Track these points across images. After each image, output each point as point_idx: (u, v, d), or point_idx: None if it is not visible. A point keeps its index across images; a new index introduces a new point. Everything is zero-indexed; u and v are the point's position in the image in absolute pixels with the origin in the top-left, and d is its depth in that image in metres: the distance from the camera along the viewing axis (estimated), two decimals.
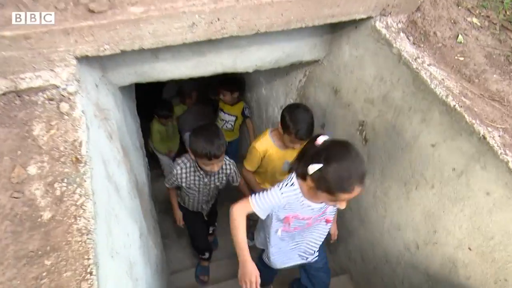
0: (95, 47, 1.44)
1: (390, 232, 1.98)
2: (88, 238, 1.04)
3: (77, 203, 1.12)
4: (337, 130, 2.32)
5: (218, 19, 1.58)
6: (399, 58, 1.76)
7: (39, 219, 1.10)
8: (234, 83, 3.46)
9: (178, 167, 2.30)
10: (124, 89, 2.15)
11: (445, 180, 1.59)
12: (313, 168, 1.43)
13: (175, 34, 1.54)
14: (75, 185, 1.18)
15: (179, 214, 2.71)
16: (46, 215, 1.11)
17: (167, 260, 3.25)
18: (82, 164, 1.22)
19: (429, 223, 1.69)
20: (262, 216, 1.67)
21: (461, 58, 1.83)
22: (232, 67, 2.13)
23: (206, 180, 2.36)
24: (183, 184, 2.36)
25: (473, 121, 1.45)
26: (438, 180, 1.62)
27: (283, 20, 1.70)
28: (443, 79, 1.66)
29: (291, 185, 1.62)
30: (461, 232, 1.54)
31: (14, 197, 1.14)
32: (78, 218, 1.09)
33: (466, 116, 1.47)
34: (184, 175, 2.32)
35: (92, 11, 1.40)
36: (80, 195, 1.14)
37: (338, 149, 1.44)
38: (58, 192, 1.16)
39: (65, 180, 1.19)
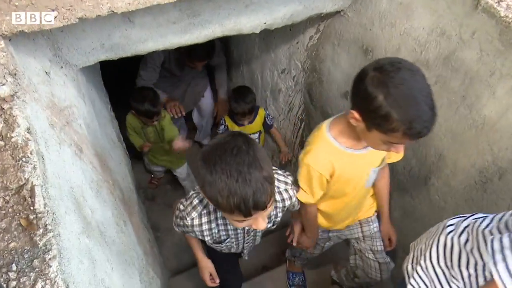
0: (35, 17, 0.86)
1: None
2: None
3: None
4: None
5: None
6: (476, 2, 1.27)
7: None
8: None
9: (189, 219, 1.25)
10: (87, 68, 1.56)
11: None
12: None
13: None
14: (32, 275, 0.67)
15: (209, 268, 1.59)
16: None
17: (163, 258, 2.83)
18: (39, 232, 0.70)
19: None
20: None
21: None
22: (235, 28, 1.57)
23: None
24: (207, 239, 1.34)
25: None
26: None
27: None
28: None
29: None
30: None
31: None
32: None
33: None
34: (205, 227, 1.28)
35: None
36: None
37: None
38: None
39: (13, 267, 0.67)
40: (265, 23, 1.62)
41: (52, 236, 0.71)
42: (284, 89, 2.56)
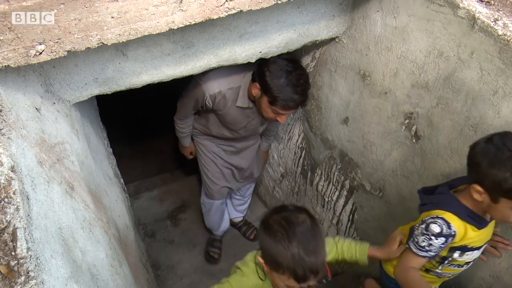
0: (21, 51, 0.83)
1: None
2: None
3: None
4: (368, 125, 1.81)
5: None
6: (472, 22, 1.25)
7: None
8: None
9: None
10: (82, 103, 1.53)
11: None
12: None
13: (155, 16, 0.95)
14: None
15: None
16: None
17: None
18: (20, 280, 0.64)
19: None
20: None
21: None
22: (230, 58, 1.56)
23: None
24: None
25: None
26: None
27: None
28: None
29: None
30: None
31: None
32: None
33: None
34: None
35: None
36: None
37: None
38: None
39: None
40: (260, 52, 1.61)
41: (35, 284, 0.64)
42: None
